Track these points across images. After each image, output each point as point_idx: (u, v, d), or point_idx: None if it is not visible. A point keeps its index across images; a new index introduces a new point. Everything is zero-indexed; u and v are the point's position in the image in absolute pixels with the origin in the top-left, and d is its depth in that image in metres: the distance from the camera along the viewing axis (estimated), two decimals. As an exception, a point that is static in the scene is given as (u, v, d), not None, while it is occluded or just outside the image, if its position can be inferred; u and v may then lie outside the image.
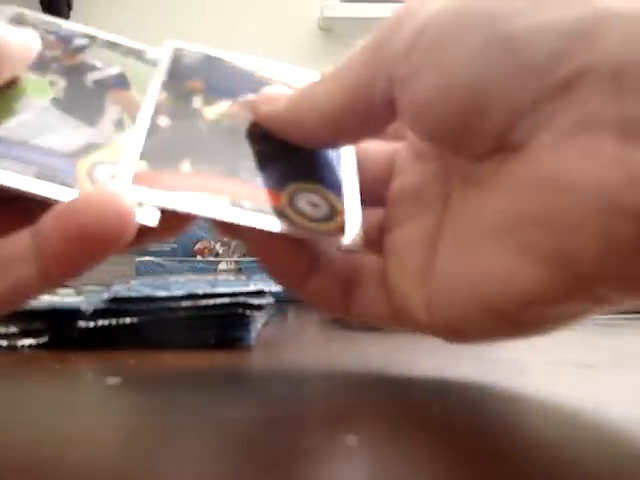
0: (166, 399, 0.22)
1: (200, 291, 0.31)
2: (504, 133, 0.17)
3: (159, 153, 0.21)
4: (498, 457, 0.16)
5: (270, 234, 0.21)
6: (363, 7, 1.51)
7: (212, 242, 0.58)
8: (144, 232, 0.19)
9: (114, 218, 0.17)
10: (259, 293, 0.32)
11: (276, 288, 0.33)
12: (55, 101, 0.22)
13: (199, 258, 0.58)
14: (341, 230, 0.22)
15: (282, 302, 0.42)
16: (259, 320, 0.34)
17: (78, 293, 0.36)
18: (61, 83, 0.22)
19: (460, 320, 0.19)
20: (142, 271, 0.57)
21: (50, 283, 0.18)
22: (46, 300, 0.32)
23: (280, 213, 0.21)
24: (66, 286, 0.53)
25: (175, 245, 0.58)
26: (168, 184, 0.21)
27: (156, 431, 0.18)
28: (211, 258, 0.58)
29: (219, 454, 0.16)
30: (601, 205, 0.15)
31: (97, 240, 0.17)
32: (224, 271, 0.57)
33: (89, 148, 0.21)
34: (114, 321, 0.30)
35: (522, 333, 0.20)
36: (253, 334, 0.32)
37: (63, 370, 0.27)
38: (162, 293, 0.31)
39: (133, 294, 0.31)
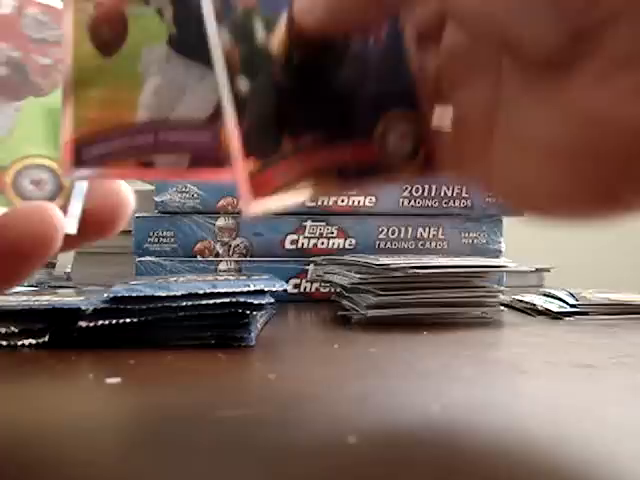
0: (166, 399, 0.22)
1: (200, 291, 0.31)
2: (573, 38, 0.16)
3: (258, 138, 0.18)
4: (498, 457, 0.16)
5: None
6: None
7: (212, 242, 0.58)
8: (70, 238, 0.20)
9: (42, 232, 0.17)
10: (259, 293, 0.32)
11: (276, 288, 0.33)
12: (172, 43, 0.19)
13: (199, 258, 0.58)
14: (424, 165, 0.20)
15: (282, 302, 0.42)
16: (259, 320, 0.34)
17: (78, 293, 0.36)
18: (168, 11, 0.19)
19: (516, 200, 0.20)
20: (142, 271, 0.57)
21: None
22: (46, 300, 0.32)
23: (379, 166, 0.19)
24: (66, 287, 0.53)
25: (175, 245, 0.58)
26: (282, 182, 0.18)
27: (156, 431, 0.18)
28: (211, 258, 0.58)
29: (219, 454, 0.16)
30: None
31: (26, 253, 0.17)
32: (224, 271, 0.57)
33: (219, 108, 0.18)
34: (114, 321, 0.30)
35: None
36: (253, 334, 0.32)
37: (63, 370, 0.27)
38: (162, 293, 0.31)
39: (133, 294, 0.31)
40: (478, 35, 0.19)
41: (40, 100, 0.21)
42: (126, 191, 0.22)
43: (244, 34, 0.18)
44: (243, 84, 0.18)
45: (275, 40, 0.18)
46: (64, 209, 0.20)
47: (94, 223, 0.21)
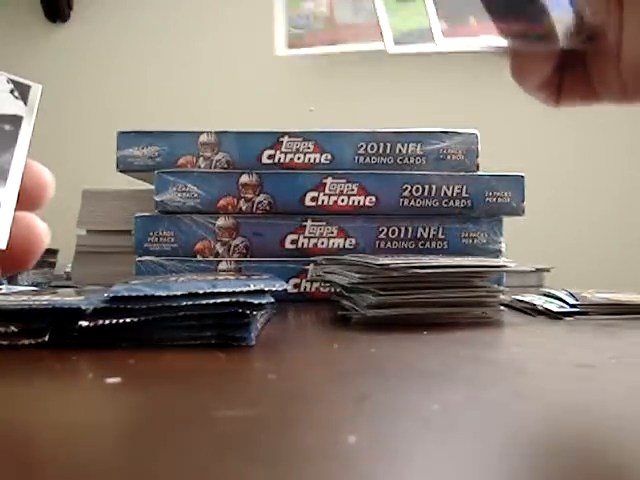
0: (166, 399, 0.22)
1: (200, 291, 0.31)
2: None
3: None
4: (497, 457, 0.16)
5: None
6: (363, 7, 1.51)
7: (212, 242, 0.58)
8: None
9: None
10: (259, 293, 0.32)
11: (276, 288, 0.33)
12: None
13: (199, 258, 0.58)
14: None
15: (282, 302, 0.42)
16: (259, 320, 0.34)
17: (78, 293, 0.36)
18: None
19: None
20: (142, 271, 0.57)
21: None
22: (46, 300, 0.32)
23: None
24: (66, 286, 0.53)
25: (175, 245, 0.58)
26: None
27: (156, 431, 0.18)
28: (211, 258, 0.58)
29: (219, 454, 0.16)
30: None
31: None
32: (224, 271, 0.57)
33: None
34: (114, 321, 0.30)
35: None
36: (253, 334, 0.32)
37: (63, 370, 0.27)
38: (162, 293, 0.31)
39: (133, 294, 0.31)
40: None
41: None
42: (40, 227, 0.22)
43: None
44: None
45: None
46: None
47: (6, 258, 0.22)
